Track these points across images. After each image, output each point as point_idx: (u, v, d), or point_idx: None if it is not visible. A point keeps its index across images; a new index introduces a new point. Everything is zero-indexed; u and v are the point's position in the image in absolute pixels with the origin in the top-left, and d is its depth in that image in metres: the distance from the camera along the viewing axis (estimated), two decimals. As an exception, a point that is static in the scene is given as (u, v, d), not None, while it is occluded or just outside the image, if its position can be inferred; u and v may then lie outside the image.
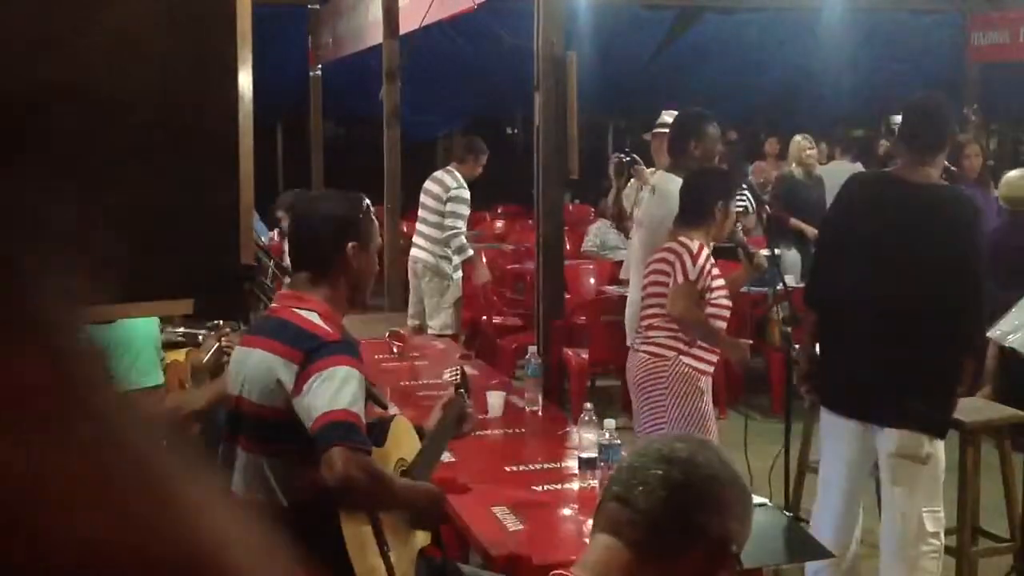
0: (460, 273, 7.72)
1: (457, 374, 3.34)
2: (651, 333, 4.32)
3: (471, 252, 7.74)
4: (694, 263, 4.17)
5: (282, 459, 2.80)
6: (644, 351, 4.33)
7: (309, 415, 2.68)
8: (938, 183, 3.82)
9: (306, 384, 2.71)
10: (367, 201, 3.05)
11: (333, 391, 2.68)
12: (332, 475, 2.59)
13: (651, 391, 4.27)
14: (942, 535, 3.88)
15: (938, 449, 3.81)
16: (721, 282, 4.32)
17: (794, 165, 9.16)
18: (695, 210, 4.31)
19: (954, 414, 3.92)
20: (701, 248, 4.22)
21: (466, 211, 7.69)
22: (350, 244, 2.93)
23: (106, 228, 1.64)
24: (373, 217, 3.06)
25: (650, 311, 4.35)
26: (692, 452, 1.63)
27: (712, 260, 4.29)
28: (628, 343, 4.94)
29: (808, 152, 9.05)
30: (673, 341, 4.25)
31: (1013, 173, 6.55)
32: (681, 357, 4.23)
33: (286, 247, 3.68)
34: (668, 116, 6.43)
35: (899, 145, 4.13)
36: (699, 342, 4.25)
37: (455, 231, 7.61)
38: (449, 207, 7.62)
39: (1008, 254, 6.23)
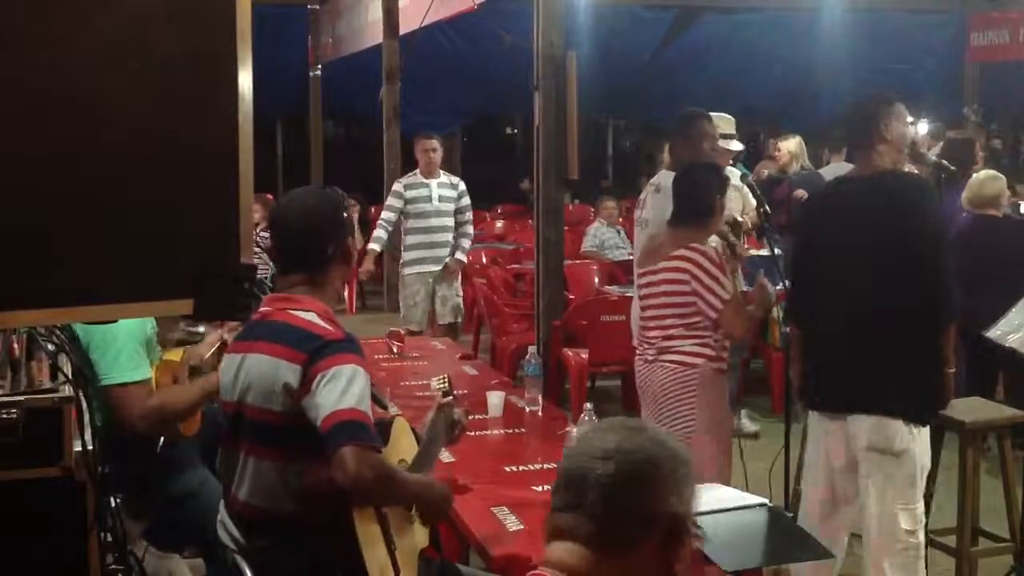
0: (408, 268, 7.78)
1: (444, 382, 3.33)
2: (673, 343, 4.21)
3: (370, 245, 7.88)
4: (723, 272, 4.13)
5: (289, 462, 2.80)
6: (668, 361, 4.21)
7: (317, 415, 2.67)
8: (881, 170, 3.85)
9: (313, 384, 2.70)
10: (342, 193, 3.06)
11: (340, 390, 2.67)
12: (344, 474, 2.59)
13: (680, 400, 4.18)
14: (921, 533, 3.85)
15: (916, 444, 3.80)
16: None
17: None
18: (696, 207, 4.25)
19: (936, 397, 3.87)
20: (720, 254, 4.19)
21: (389, 200, 7.95)
22: (340, 241, 2.94)
23: (106, 228, 1.64)
24: (348, 210, 3.07)
25: (669, 320, 4.22)
26: (620, 441, 1.60)
27: None
28: (634, 343, 4.92)
29: (775, 152, 9.43)
30: (700, 348, 4.17)
31: (980, 174, 6.50)
32: (710, 364, 4.18)
33: None
34: (721, 120, 6.52)
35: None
36: (724, 344, 4.23)
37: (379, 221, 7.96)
38: None
39: (972, 257, 6.19)
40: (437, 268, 7.75)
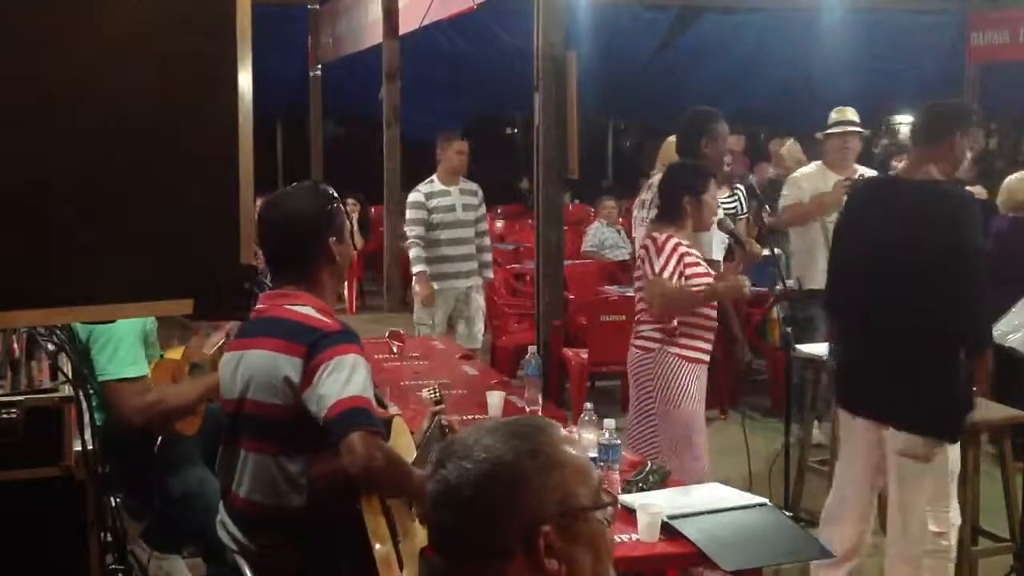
0: (436, 283, 7.02)
1: (435, 392, 3.40)
2: (640, 327, 4.49)
3: (417, 268, 7.05)
4: (659, 255, 4.29)
5: (291, 456, 2.81)
6: (635, 345, 4.49)
7: (321, 405, 2.69)
8: (930, 180, 3.82)
9: (315, 376, 2.72)
10: (333, 191, 3.04)
11: (344, 379, 2.69)
12: (353, 459, 2.60)
13: (643, 382, 4.42)
14: (952, 536, 3.84)
15: (947, 449, 3.79)
16: (700, 269, 4.37)
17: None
18: (665, 205, 4.46)
19: (965, 416, 3.84)
20: (667, 239, 4.32)
21: (412, 214, 7.04)
22: (329, 239, 2.94)
23: (106, 228, 1.64)
24: (341, 206, 3.05)
25: (638, 305, 4.53)
26: (447, 481, 1.49)
27: (686, 250, 4.32)
28: None
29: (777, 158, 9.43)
30: (657, 333, 4.38)
31: (1013, 177, 6.51)
32: (666, 347, 4.35)
33: None
34: (843, 114, 6.54)
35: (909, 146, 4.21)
36: (687, 332, 4.32)
37: (407, 240, 7.10)
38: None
39: (1010, 260, 6.18)
40: (461, 285, 7.11)
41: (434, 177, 7.18)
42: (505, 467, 1.49)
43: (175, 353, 3.81)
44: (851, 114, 6.62)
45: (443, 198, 7.07)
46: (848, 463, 4.11)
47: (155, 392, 3.55)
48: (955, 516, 3.86)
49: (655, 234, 4.38)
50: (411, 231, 7.06)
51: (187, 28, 1.64)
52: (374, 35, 11.81)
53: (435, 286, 7.01)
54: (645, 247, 4.40)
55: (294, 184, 3.13)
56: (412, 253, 7.06)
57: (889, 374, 3.81)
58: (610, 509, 1.55)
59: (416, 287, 7.11)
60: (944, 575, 3.82)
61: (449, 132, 7.51)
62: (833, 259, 4.21)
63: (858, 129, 6.54)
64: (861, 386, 3.98)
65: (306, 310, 2.85)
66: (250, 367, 2.85)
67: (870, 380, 3.92)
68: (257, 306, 2.94)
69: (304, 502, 2.80)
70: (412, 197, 7.12)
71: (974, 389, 3.83)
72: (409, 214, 7.09)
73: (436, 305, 7.04)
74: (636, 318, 4.54)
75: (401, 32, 11.11)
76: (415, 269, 7.08)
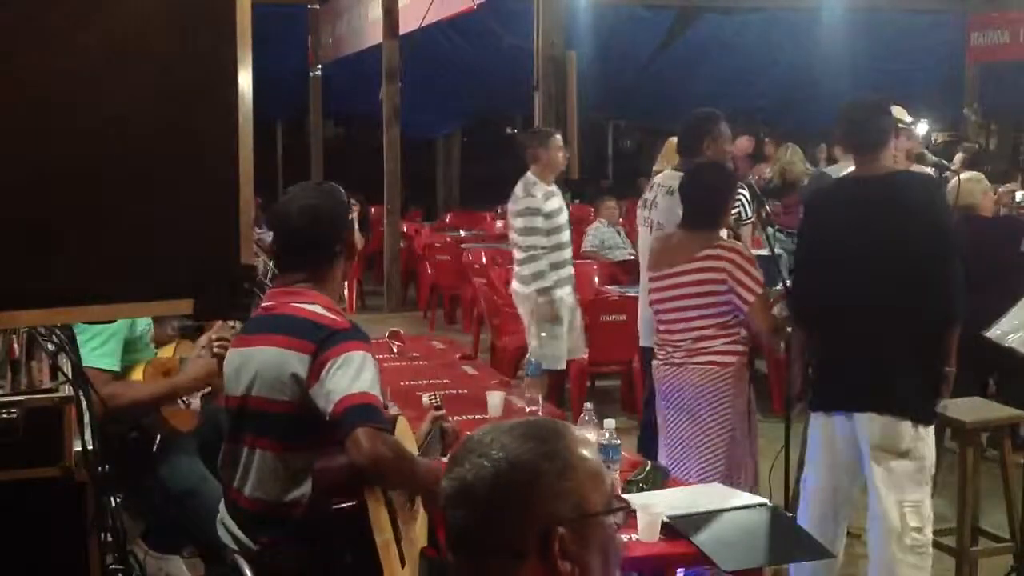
0: (560, 291, 6.22)
1: (436, 398, 3.45)
2: (704, 344, 4.14)
3: (544, 283, 6.15)
4: (754, 266, 4.10)
5: (297, 451, 2.82)
6: (700, 363, 4.15)
7: (328, 401, 2.70)
8: (891, 171, 3.91)
9: (322, 372, 2.73)
10: (342, 190, 3.06)
11: (352, 375, 2.70)
12: (359, 455, 2.61)
13: (717, 399, 4.13)
14: (928, 530, 3.85)
15: (922, 442, 3.82)
16: None
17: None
18: (714, 208, 4.23)
19: (940, 401, 3.91)
20: (748, 250, 4.20)
21: (538, 223, 6.09)
22: (343, 238, 2.97)
23: (106, 228, 1.64)
24: (350, 205, 3.09)
25: (698, 321, 4.14)
26: (463, 479, 1.48)
27: None
28: (643, 343, 4.90)
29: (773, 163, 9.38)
30: (732, 345, 4.14)
31: (961, 176, 6.48)
32: (740, 360, 4.16)
33: None
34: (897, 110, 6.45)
35: (845, 149, 4.25)
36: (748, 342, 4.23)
37: (529, 252, 6.15)
38: (518, 223, 6.21)
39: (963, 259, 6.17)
40: (570, 292, 6.40)
41: (535, 179, 6.21)
42: (522, 467, 1.48)
43: (167, 351, 3.81)
44: (903, 115, 6.52)
45: (554, 199, 6.23)
46: (818, 468, 4.08)
47: (114, 385, 3.52)
48: (928, 510, 3.86)
49: (731, 244, 4.14)
50: (528, 240, 6.15)
51: (187, 28, 1.64)
52: (374, 35, 11.82)
53: (557, 295, 6.22)
54: (725, 258, 4.07)
55: (302, 183, 3.14)
56: (534, 268, 6.15)
57: (870, 365, 3.82)
58: (621, 514, 1.56)
59: (542, 307, 6.19)
60: (925, 569, 3.83)
61: (543, 128, 6.63)
62: (799, 268, 4.15)
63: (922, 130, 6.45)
64: (836, 384, 3.94)
65: (315, 308, 2.86)
66: (256, 363, 2.86)
67: (847, 375, 3.89)
68: (264, 303, 2.96)
69: (308, 499, 2.81)
70: (527, 203, 6.14)
71: (951, 370, 3.87)
72: (524, 222, 6.15)
73: (560, 316, 6.27)
74: (695, 334, 4.14)
75: (401, 32, 11.12)
76: (543, 285, 6.16)
